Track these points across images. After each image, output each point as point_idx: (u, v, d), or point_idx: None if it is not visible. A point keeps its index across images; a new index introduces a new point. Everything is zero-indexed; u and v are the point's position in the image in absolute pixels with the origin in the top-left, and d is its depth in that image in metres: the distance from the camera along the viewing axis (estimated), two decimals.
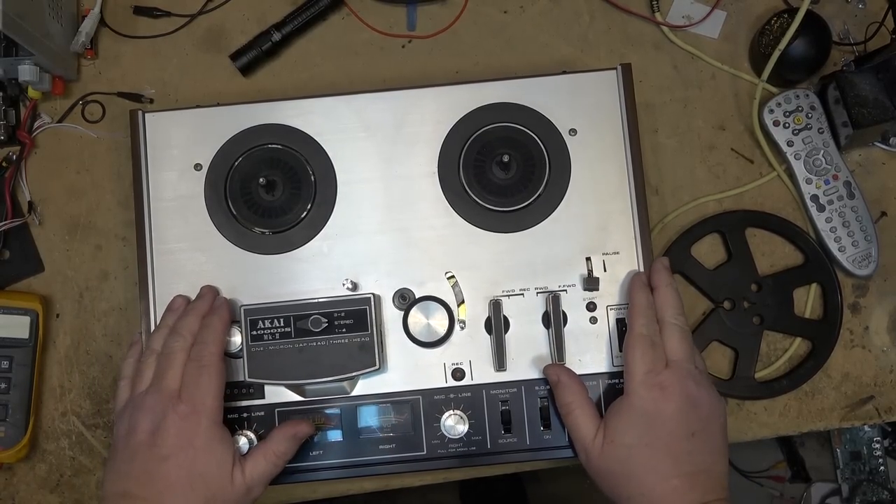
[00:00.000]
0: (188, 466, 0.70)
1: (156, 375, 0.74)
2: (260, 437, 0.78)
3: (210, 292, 0.79)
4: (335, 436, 0.79)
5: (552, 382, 0.77)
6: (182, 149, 0.82)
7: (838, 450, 1.39)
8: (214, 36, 0.94)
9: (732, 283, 0.89)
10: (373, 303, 0.76)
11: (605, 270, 0.80)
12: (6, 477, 0.89)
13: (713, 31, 0.94)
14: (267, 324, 0.76)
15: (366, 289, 0.80)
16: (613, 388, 0.78)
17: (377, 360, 0.75)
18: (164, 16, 0.94)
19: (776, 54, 0.88)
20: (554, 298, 0.78)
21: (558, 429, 0.78)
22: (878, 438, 1.37)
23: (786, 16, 0.89)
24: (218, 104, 0.84)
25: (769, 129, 0.89)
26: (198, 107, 0.84)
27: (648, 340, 0.73)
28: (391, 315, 0.80)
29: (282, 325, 0.76)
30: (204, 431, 0.71)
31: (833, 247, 0.88)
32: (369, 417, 0.79)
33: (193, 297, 0.80)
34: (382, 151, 0.82)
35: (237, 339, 0.77)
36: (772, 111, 0.89)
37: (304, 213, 0.81)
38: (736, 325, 0.88)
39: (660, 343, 0.74)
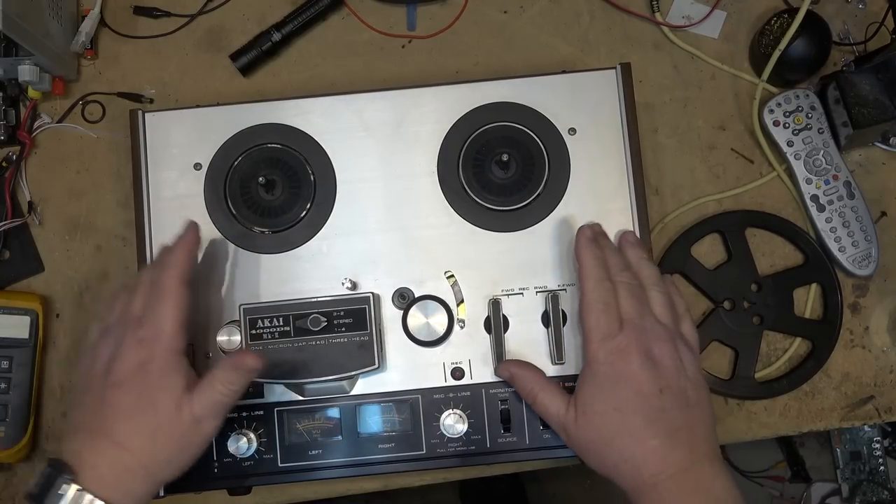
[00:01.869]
0: (138, 392, 0.67)
1: (122, 304, 0.73)
2: (260, 437, 0.78)
3: (192, 224, 0.77)
4: (335, 436, 0.79)
5: (508, 380, 0.77)
6: (182, 148, 0.82)
7: (838, 450, 1.38)
8: (214, 36, 0.94)
9: (732, 283, 0.89)
10: (372, 302, 0.76)
11: None
12: (6, 477, 0.89)
13: (713, 31, 0.94)
14: (266, 323, 0.76)
15: (365, 288, 0.80)
16: None
17: (376, 359, 0.75)
18: (164, 16, 0.94)
19: (776, 54, 0.88)
20: (553, 297, 0.78)
21: None
22: (878, 438, 1.37)
23: (786, 16, 0.89)
24: (218, 104, 0.84)
25: (769, 129, 0.89)
26: (198, 107, 0.84)
27: (600, 304, 0.72)
28: (390, 314, 0.80)
29: (281, 324, 0.76)
30: (158, 357, 0.68)
31: (833, 247, 0.88)
32: (369, 417, 0.79)
33: (193, 297, 0.79)
34: (382, 151, 0.82)
35: (237, 338, 0.77)
36: (772, 111, 0.89)
37: (304, 212, 0.81)
38: (736, 325, 0.88)
39: (613, 304, 0.72)
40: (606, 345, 0.71)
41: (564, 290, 0.79)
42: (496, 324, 0.78)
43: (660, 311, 0.74)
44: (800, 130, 0.89)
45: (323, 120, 0.83)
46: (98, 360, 0.70)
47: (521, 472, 1.59)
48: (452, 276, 0.80)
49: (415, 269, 0.80)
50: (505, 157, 0.80)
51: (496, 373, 0.78)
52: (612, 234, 0.80)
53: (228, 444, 0.77)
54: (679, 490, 0.67)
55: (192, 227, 0.77)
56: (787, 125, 0.89)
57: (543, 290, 0.80)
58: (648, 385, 0.69)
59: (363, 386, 0.79)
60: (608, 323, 0.71)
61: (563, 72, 0.84)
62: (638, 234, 0.80)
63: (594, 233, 0.77)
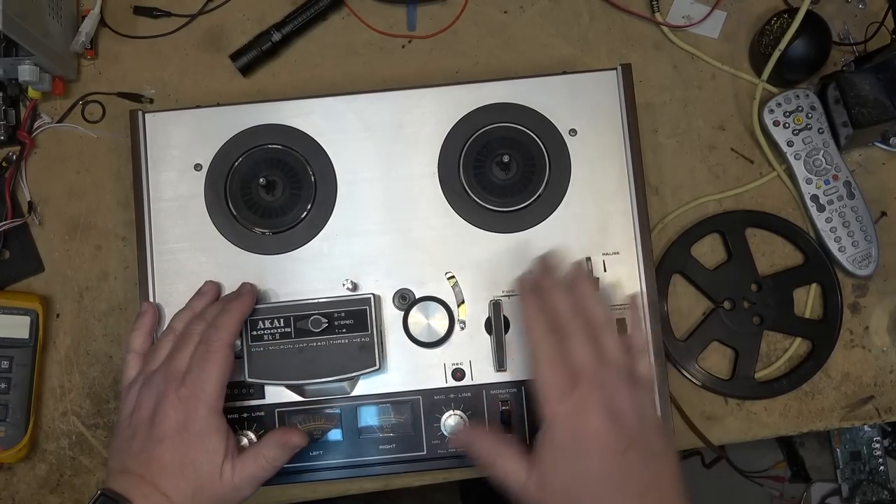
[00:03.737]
0: (181, 452, 0.69)
1: (168, 355, 0.73)
2: (260, 437, 0.78)
3: (249, 289, 0.78)
4: (335, 436, 0.79)
5: (463, 448, 0.72)
6: (182, 149, 0.82)
7: (838, 450, 1.38)
8: (214, 36, 0.94)
9: (732, 283, 0.89)
10: (373, 303, 0.76)
11: (605, 270, 0.80)
12: (6, 477, 0.89)
13: (713, 31, 0.94)
14: (267, 324, 0.76)
15: (366, 289, 0.80)
16: None
17: (377, 360, 0.75)
18: (164, 16, 0.94)
19: (776, 54, 0.88)
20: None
21: None
22: (878, 438, 1.37)
23: (786, 16, 0.89)
24: (218, 104, 0.84)
25: (769, 129, 0.89)
26: (198, 107, 0.84)
27: (550, 359, 0.67)
28: (391, 315, 0.80)
29: (282, 325, 0.76)
30: (200, 418, 0.70)
31: (833, 247, 0.88)
32: (369, 417, 0.79)
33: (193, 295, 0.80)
34: (382, 151, 0.82)
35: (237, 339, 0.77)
36: (772, 111, 0.89)
37: (304, 213, 0.81)
38: (736, 325, 0.88)
39: (564, 356, 0.67)
40: (564, 403, 0.65)
41: None
42: (497, 325, 0.78)
43: (615, 356, 0.69)
44: (800, 130, 0.89)
45: (323, 120, 0.83)
46: (142, 410, 0.71)
47: None
48: (453, 276, 0.80)
49: (415, 270, 0.80)
50: (505, 158, 0.80)
51: (449, 444, 0.77)
52: (612, 233, 0.80)
53: None
54: None
55: (250, 292, 0.77)
56: (787, 125, 0.89)
57: None
58: (613, 444, 0.64)
59: (364, 387, 0.79)
60: (562, 378, 0.66)
61: (564, 72, 0.84)
62: (638, 234, 0.80)
63: (533, 279, 0.74)
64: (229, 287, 0.80)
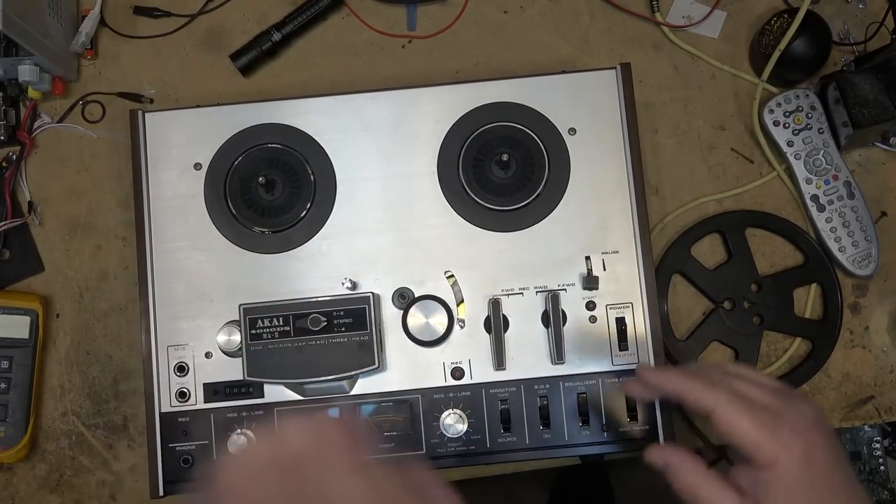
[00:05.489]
0: None
1: None
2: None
3: None
4: None
5: (660, 467, 0.65)
6: (182, 148, 0.82)
7: None
8: (214, 36, 0.94)
9: (732, 283, 0.88)
10: (372, 302, 0.76)
11: (604, 269, 0.80)
12: (6, 477, 0.89)
13: (713, 31, 0.94)
14: (266, 322, 0.76)
15: (365, 288, 0.80)
16: (612, 388, 0.78)
17: (376, 359, 0.75)
18: (164, 16, 0.94)
19: (776, 54, 0.88)
20: (553, 297, 0.78)
21: (557, 427, 0.78)
22: (878, 438, 1.37)
23: (786, 16, 0.89)
24: (218, 104, 0.84)
25: (769, 129, 0.89)
26: (198, 107, 0.84)
27: (737, 404, 0.61)
28: (390, 314, 0.80)
29: (281, 323, 0.76)
30: None
31: (833, 247, 0.88)
32: (369, 416, 0.79)
33: (194, 297, 0.80)
34: (382, 151, 0.82)
35: (237, 338, 0.77)
36: (772, 111, 0.89)
37: (304, 212, 0.81)
38: (736, 325, 0.88)
39: (745, 399, 0.62)
40: (778, 443, 0.60)
41: (564, 289, 0.79)
42: (496, 324, 0.78)
43: (771, 384, 0.65)
44: (800, 130, 0.89)
45: (323, 120, 0.83)
46: None
47: (608, 467, 1.51)
48: (452, 275, 0.80)
49: (415, 269, 0.80)
50: (505, 157, 0.80)
51: (646, 456, 0.66)
52: (611, 232, 0.80)
53: (228, 444, 0.77)
54: None
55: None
56: (787, 125, 0.89)
57: (543, 289, 0.79)
58: (830, 461, 0.61)
59: (363, 386, 0.79)
60: (759, 422, 0.60)
61: (563, 72, 0.84)
62: (638, 232, 0.80)
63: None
64: (229, 285, 0.80)
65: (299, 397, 0.79)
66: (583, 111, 0.82)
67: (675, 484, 0.63)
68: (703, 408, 0.62)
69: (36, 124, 0.92)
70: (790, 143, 0.89)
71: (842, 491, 0.61)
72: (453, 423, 0.78)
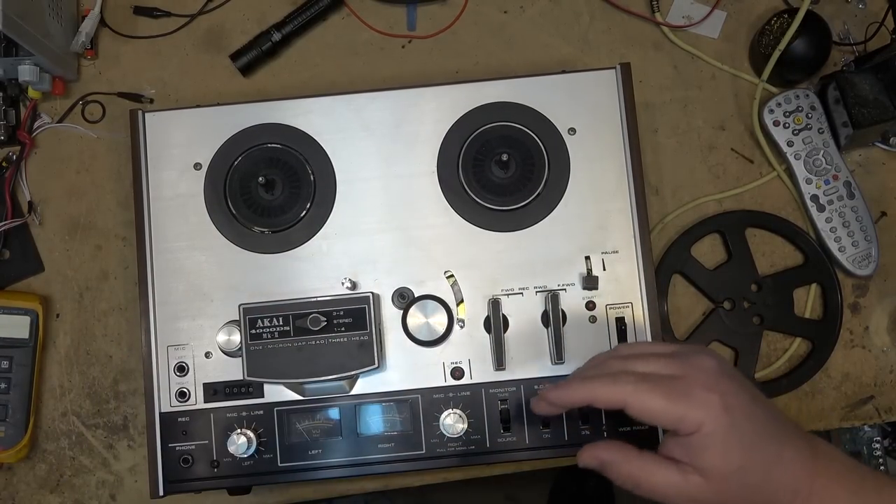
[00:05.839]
0: None
1: None
2: (260, 437, 0.78)
3: None
4: (334, 435, 0.79)
5: (597, 468, 0.65)
6: (182, 148, 0.83)
7: None
8: (214, 36, 0.94)
9: (732, 283, 0.88)
10: (372, 302, 0.76)
11: (604, 269, 0.80)
12: (6, 477, 0.89)
13: (713, 31, 0.94)
14: (266, 322, 0.76)
15: (365, 288, 0.80)
16: None
17: (376, 358, 0.75)
18: (164, 16, 0.94)
19: (776, 54, 0.88)
20: (553, 297, 0.78)
21: (557, 427, 0.78)
22: (878, 438, 1.36)
23: (786, 16, 0.89)
24: (218, 104, 0.84)
25: (769, 129, 0.89)
26: (198, 107, 0.84)
27: (637, 383, 0.61)
28: (390, 314, 0.80)
29: (281, 323, 0.76)
30: None
31: (833, 247, 0.88)
32: (368, 416, 0.79)
33: (193, 297, 0.80)
34: (382, 151, 0.82)
35: (236, 338, 0.77)
36: (772, 111, 0.89)
37: (304, 212, 0.81)
38: (736, 325, 0.88)
39: (646, 375, 0.62)
40: (691, 405, 0.60)
41: (564, 289, 0.79)
42: (496, 323, 0.78)
43: (670, 349, 0.66)
44: (800, 130, 0.89)
45: (323, 120, 0.83)
46: None
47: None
48: (452, 275, 0.80)
49: (414, 269, 0.80)
50: (505, 157, 0.80)
51: (579, 463, 0.66)
52: (611, 232, 0.80)
53: (228, 443, 0.77)
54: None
55: None
56: (787, 125, 0.89)
57: (543, 289, 0.79)
58: (749, 404, 0.61)
59: (363, 385, 0.79)
60: (666, 391, 0.61)
61: (563, 72, 0.84)
62: (637, 232, 0.80)
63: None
64: (229, 285, 0.80)
65: (299, 397, 0.79)
66: (583, 111, 0.82)
67: (614, 478, 0.64)
68: (614, 405, 0.62)
69: (36, 124, 0.92)
70: (790, 143, 0.89)
71: (769, 424, 0.62)
72: (453, 422, 0.78)
